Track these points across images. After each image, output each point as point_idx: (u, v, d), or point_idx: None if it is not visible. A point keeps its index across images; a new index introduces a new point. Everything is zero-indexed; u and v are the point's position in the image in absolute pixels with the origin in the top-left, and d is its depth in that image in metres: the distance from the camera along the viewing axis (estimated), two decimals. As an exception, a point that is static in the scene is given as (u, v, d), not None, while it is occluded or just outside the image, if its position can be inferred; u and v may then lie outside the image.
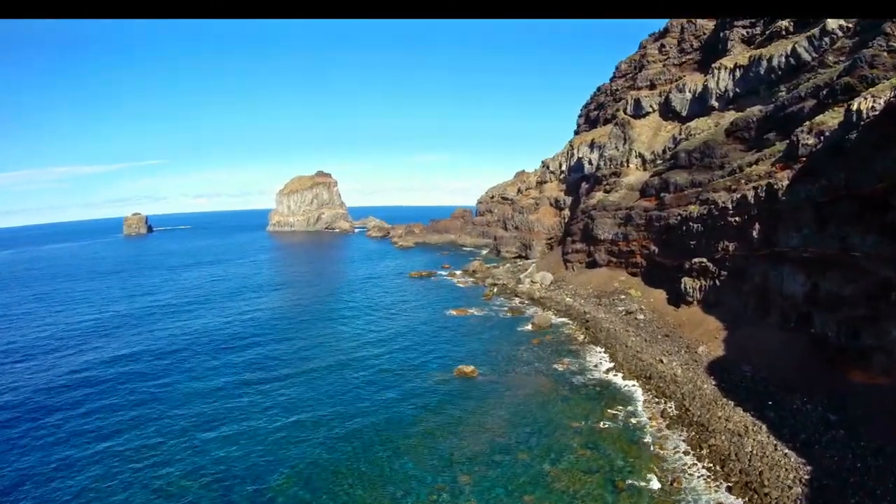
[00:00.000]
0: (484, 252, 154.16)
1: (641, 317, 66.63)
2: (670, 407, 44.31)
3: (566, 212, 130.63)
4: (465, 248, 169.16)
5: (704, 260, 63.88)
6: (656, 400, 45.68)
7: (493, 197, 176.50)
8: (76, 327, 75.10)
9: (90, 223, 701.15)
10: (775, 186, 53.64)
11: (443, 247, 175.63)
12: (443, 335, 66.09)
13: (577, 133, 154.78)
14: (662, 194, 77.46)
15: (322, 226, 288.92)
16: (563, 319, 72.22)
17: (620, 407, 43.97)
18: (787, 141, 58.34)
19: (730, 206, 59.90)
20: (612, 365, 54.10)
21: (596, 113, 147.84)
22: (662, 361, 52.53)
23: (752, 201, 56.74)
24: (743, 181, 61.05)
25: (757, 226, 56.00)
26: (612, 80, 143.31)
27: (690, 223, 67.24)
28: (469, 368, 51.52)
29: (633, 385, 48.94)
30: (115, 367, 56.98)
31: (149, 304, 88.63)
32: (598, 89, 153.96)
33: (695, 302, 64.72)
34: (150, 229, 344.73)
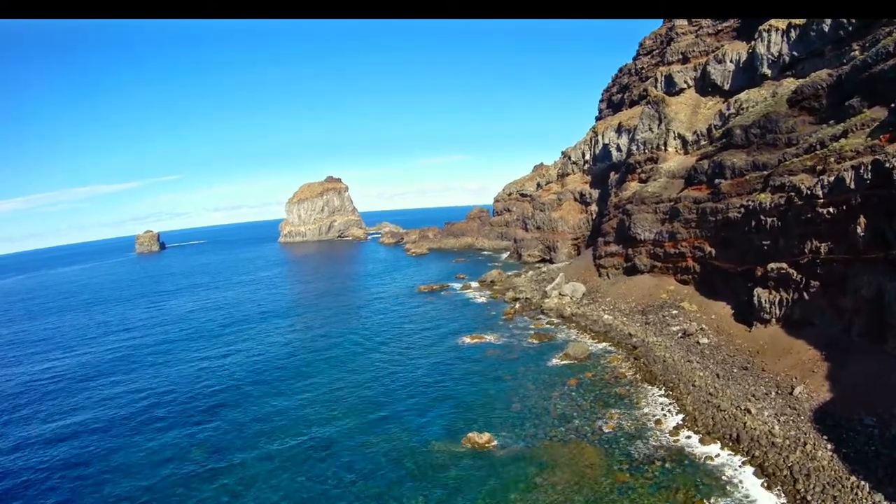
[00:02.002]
0: (504, 256, 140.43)
1: (705, 340, 52.46)
2: (778, 492, 30.49)
3: (593, 207, 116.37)
4: (483, 253, 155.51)
5: (784, 265, 49.59)
6: (756, 480, 31.82)
7: (510, 194, 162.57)
8: (26, 384, 63.33)
9: (107, 242, 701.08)
10: (887, 165, 39.45)
11: (459, 252, 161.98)
12: (451, 378, 52.19)
13: (599, 119, 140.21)
14: (717, 181, 63.07)
15: (335, 234, 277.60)
16: (604, 345, 58.16)
17: (706, 500, 30.15)
18: (886, 107, 44.98)
19: (819, 193, 45.58)
20: (680, 418, 40.06)
21: (619, 96, 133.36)
22: (749, 411, 38.52)
23: (853, 185, 42.49)
24: (832, 159, 46.83)
25: (862, 218, 41.66)
26: (635, 58, 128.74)
27: (761, 216, 52.97)
28: (484, 438, 37.74)
29: (717, 454, 34.95)
30: (45, 450, 45.03)
31: (116, 347, 76.28)
32: (620, 70, 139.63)
33: (773, 320, 50.39)
34: (162, 246, 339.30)
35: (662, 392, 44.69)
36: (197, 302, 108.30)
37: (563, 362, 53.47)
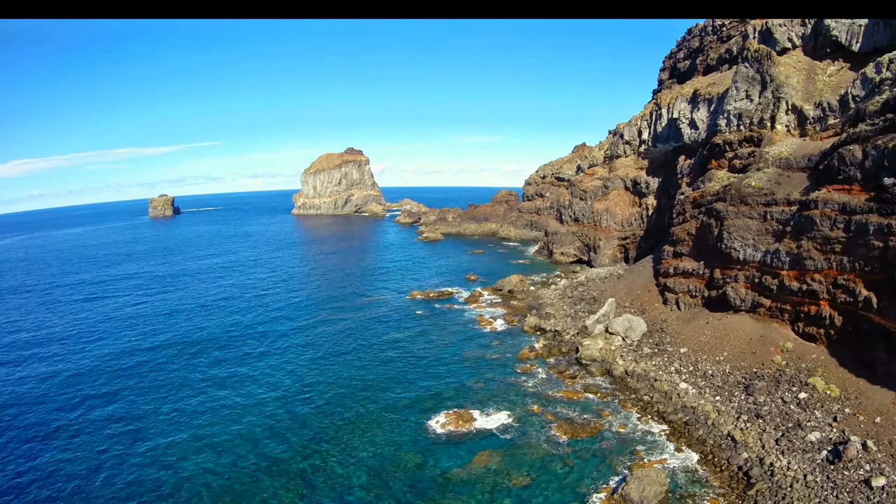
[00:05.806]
0: (531, 250, 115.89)
1: (881, 482, 28.00)
2: None
3: (650, 200, 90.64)
4: (507, 244, 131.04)
5: None
6: None
7: (544, 177, 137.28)
8: None
9: (127, 204, 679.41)
10: None
11: (479, 241, 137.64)
12: None
13: (659, 91, 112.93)
14: (889, 180, 37.50)
15: (351, 208, 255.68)
16: (687, 460, 33.39)
17: None
18: None
19: None
20: None
21: (688, 62, 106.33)
22: None
23: None
24: None
25: None
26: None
27: None
28: None
29: None
30: None
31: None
32: (689, 32, 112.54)
33: None
34: (177, 211, 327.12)
35: None
36: (139, 302, 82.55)
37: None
